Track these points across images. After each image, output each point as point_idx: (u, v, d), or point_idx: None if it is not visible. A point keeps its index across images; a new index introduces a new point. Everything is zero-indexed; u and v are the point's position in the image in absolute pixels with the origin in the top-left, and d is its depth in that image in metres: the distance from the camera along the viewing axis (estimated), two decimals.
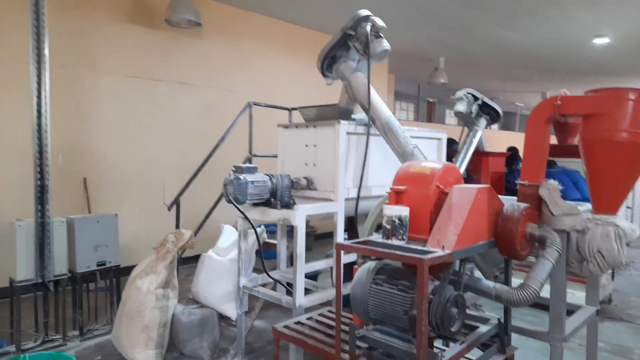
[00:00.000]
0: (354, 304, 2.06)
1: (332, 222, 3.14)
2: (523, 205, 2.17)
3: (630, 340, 3.94)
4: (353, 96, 3.42)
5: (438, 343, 2.34)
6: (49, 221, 3.51)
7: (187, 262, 5.46)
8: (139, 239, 5.34)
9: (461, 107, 5.07)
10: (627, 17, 6.69)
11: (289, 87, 7.40)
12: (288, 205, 3.01)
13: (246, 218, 3.08)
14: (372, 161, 3.33)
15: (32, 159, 3.51)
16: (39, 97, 3.51)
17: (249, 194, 2.86)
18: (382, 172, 3.38)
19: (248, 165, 3.01)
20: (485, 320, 2.35)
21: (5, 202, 4.66)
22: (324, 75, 3.62)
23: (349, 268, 2.95)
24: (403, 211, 2.00)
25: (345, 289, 2.30)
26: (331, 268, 3.52)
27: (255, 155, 5.44)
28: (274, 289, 3.59)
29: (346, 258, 3.21)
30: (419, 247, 1.91)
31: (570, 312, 2.74)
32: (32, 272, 3.45)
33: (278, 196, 3.00)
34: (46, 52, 3.53)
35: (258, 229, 3.65)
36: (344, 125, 3.11)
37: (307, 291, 3.16)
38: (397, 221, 2.00)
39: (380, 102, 3.29)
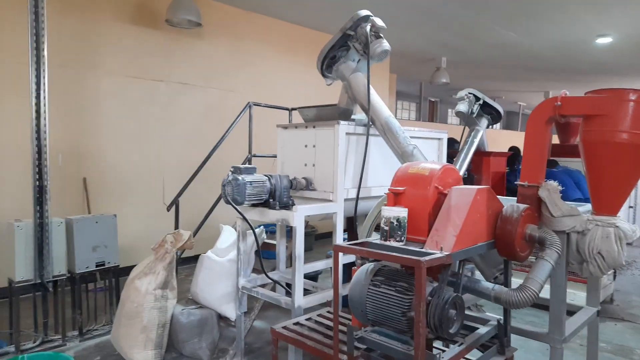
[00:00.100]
0: (352, 306, 2.05)
1: (332, 222, 3.13)
2: (522, 206, 2.15)
3: (632, 340, 3.92)
4: (353, 96, 3.41)
5: (439, 344, 2.33)
6: (48, 222, 3.50)
7: (187, 263, 5.46)
8: (139, 239, 5.34)
9: (462, 107, 5.06)
10: (630, 17, 6.65)
11: (291, 88, 7.39)
12: (287, 205, 3.00)
13: (244, 219, 3.07)
14: (371, 162, 3.32)
15: (30, 159, 3.51)
16: (37, 97, 3.51)
17: (247, 195, 2.85)
18: (382, 173, 3.36)
19: (246, 165, 3.00)
20: (484, 321, 2.34)
21: (4, 202, 4.66)
22: (323, 75, 3.60)
23: (349, 269, 2.94)
24: (401, 212, 1.99)
25: (345, 290, 2.29)
26: (331, 268, 3.51)
27: (255, 156, 5.43)
28: (273, 289, 3.58)
29: (345, 258, 3.20)
30: (417, 249, 1.90)
31: (571, 313, 2.73)
32: (31, 272, 3.45)
33: (277, 197, 2.99)
34: (45, 52, 3.53)
35: (257, 230, 3.64)
36: (344, 126, 3.10)
37: (307, 292, 3.15)
38: (395, 222, 1.99)
39: (380, 103, 3.28)
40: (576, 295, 4.09)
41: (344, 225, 3.21)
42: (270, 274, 3.36)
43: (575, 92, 2.41)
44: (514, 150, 6.93)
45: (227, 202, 2.89)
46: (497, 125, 15.78)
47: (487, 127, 5.39)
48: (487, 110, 5.26)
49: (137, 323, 3.13)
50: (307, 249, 6.50)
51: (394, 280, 1.95)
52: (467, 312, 2.44)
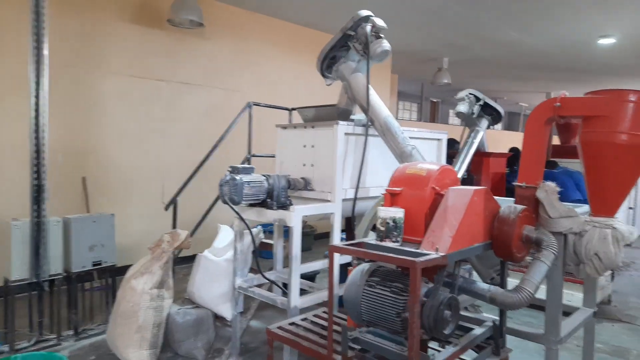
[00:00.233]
0: (347, 306, 2.04)
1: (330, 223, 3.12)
2: (520, 207, 2.14)
3: (629, 342, 3.91)
4: (352, 97, 3.40)
5: (435, 345, 2.32)
6: (45, 221, 3.50)
7: (185, 262, 5.45)
8: (139, 239, 5.33)
9: (463, 107, 5.05)
10: (633, 17, 6.63)
11: (294, 88, 7.38)
12: (284, 205, 2.99)
13: (241, 218, 3.06)
14: (370, 162, 3.30)
15: (29, 158, 3.51)
16: (37, 96, 3.50)
17: (244, 195, 2.85)
18: (381, 173, 3.35)
19: (244, 165, 2.99)
20: (480, 322, 2.33)
21: (1, 201, 4.66)
22: (323, 75, 3.59)
23: (345, 269, 2.93)
24: (397, 213, 1.98)
25: (341, 290, 2.27)
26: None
27: (255, 156, 5.43)
28: (270, 289, 3.57)
29: (342, 259, 3.18)
30: (413, 250, 1.89)
31: (568, 314, 2.72)
32: (27, 271, 3.44)
33: (274, 197, 2.97)
34: (46, 52, 3.52)
35: (255, 230, 3.64)
36: (343, 126, 3.09)
37: (304, 292, 3.14)
38: (391, 223, 1.98)
39: (379, 103, 3.27)
40: (573, 296, 4.07)
41: (342, 225, 3.20)
42: (267, 274, 3.35)
43: (577, 93, 2.40)
44: (514, 151, 6.91)
45: (225, 202, 2.89)
46: (499, 126, 15.76)
47: (488, 127, 5.38)
48: (488, 111, 5.24)
49: (132, 323, 3.12)
50: (306, 248, 6.50)
51: (389, 281, 1.94)
52: (463, 312, 2.43)
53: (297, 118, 5.07)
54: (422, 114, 15.92)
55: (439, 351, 2.05)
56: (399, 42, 7.74)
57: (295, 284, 2.86)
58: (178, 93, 6.11)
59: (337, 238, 3.11)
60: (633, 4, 6.13)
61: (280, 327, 2.58)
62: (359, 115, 3.43)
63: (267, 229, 5.53)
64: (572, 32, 7.48)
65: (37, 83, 3.50)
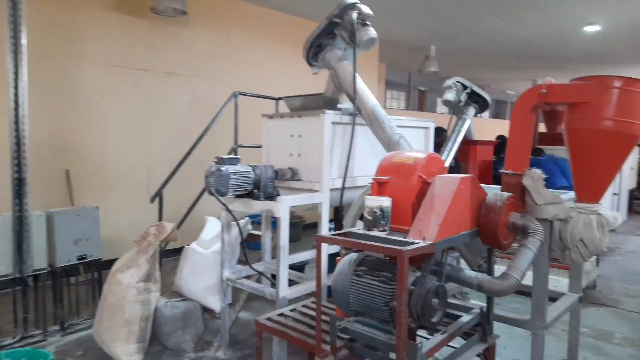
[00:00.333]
0: (335, 296, 2.04)
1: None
2: (506, 194, 2.14)
3: (613, 325, 3.99)
4: (339, 85, 3.37)
5: (423, 333, 2.33)
6: (27, 215, 3.42)
7: (172, 255, 5.40)
8: (124, 232, 5.25)
9: (450, 95, 5.05)
10: (618, 4, 6.65)
11: (279, 77, 7.30)
12: (271, 196, 2.96)
13: (228, 210, 3.03)
14: (358, 151, 3.29)
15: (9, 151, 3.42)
16: (15, 87, 3.41)
17: (230, 186, 2.81)
18: (369, 162, 3.34)
19: (230, 156, 2.95)
20: (468, 309, 2.34)
21: None
22: (309, 64, 3.56)
23: (334, 259, 2.92)
24: (384, 202, 1.97)
25: (330, 280, 2.27)
26: None
27: (241, 146, 5.37)
28: (258, 280, 3.56)
29: (330, 249, 3.18)
30: (400, 239, 1.88)
31: (554, 299, 2.75)
32: (10, 267, 3.37)
33: (261, 187, 2.94)
34: (24, 41, 3.42)
35: (243, 221, 3.61)
36: (329, 115, 3.06)
37: (292, 282, 3.13)
38: (378, 212, 1.96)
39: (366, 91, 3.24)
40: (559, 281, 4.13)
41: (331, 215, 3.19)
42: (255, 265, 3.33)
43: (564, 80, 2.39)
44: (501, 139, 6.95)
45: (211, 193, 2.85)
46: (486, 114, 15.83)
47: (475, 115, 5.39)
48: (475, 98, 5.26)
49: (119, 317, 3.09)
50: (295, 239, 6.50)
51: (377, 270, 1.94)
52: (451, 300, 2.45)
53: (283, 107, 5.03)
54: (410, 102, 15.92)
55: (427, 339, 2.06)
56: (385, 31, 7.68)
57: (284, 275, 2.84)
58: (161, 83, 6.00)
59: (325, 228, 3.10)
60: None
61: (269, 319, 2.57)
62: (346, 104, 3.41)
63: (255, 220, 5.51)
64: (558, 19, 7.50)
65: (16, 74, 3.41)
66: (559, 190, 2.71)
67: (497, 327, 2.40)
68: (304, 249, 3.92)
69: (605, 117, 2.17)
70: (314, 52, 3.45)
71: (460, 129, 5.18)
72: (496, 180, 5.69)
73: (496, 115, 19.88)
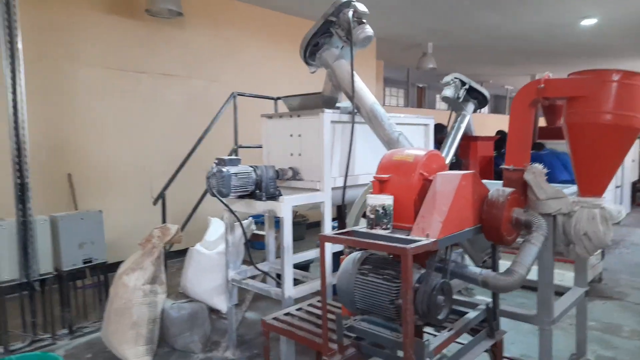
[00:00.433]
0: (340, 295, 2.04)
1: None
2: (508, 190, 2.15)
3: (620, 318, 3.98)
4: (337, 84, 3.37)
5: (431, 329, 2.34)
6: (31, 220, 3.44)
7: (177, 256, 5.42)
8: (128, 235, 5.28)
9: (448, 92, 5.04)
10: None
11: (276, 76, 7.30)
12: (273, 196, 2.97)
13: (230, 211, 3.04)
14: (358, 149, 3.29)
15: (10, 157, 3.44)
16: (14, 92, 3.42)
17: (232, 187, 2.82)
18: (369, 160, 3.34)
19: (231, 157, 2.96)
20: (474, 306, 2.35)
21: None
22: (307, 63, 3.55)
23: (338, 257, 2.93)
24: (386, 200, 1.98)
25: (335, 279, 2.28)
26: None
27: (242, 147, 5.39)
28: (264, 280, 3.57)
29: (334, 247, 3.19)
30: (403, 237, 1.89)
31: (560, 294, 2.75)
32: (16, 272, 3.40)
33: (263, 188, 2.95)
34: (19, 45, 3.43)
35: (246, 221, 3.62)
36: (328, 114, 3.07)
37: (297, 281, 3.14)
38: (380, 210, 1.97)
39: (364, 89, 3.24)
40: (564, 275, 4.13)
41: (334, 213, 3.19)
42: (260, 265, 3.34)
43: (562, 74, 2.39)
44: (501, 134, 6.95)
45: (213, 194, 2.86)
46: (485, 110, 15.83)
47: (474, 111, 5.39)
48: (474, 94, 5.24)
49: (126, 319, 3.11)
50: (299, 238, 6.50)
51: (381, 268, 1.95)
52: (457, 296, 2.45)
53: (282, 107, 5.04)
54: (409, 99, 15.91)
55: (434, 336, 2.07)
56: (382, 28, 7.68)
57: (289, 274, 2.86)
58: (159, 84, 6.01)
59: (328, 227, 3.11)
60: None
61: (275, 318, 2.58)
62: (344, 102, 3.41)
63: (259, 220, 5.52)
64: (555, 13, 7.49)
65: (13, 79, 3.42)
66: (561, 185, 2.72)
67: (504, 322, 2.40)
68: (308, 247, 3.93)
69: (604, 110, 2.17)
70: (311, 51, 3.44)
71: (459, 125, 5.17)
72: (498, 175, 5.70)
73: (495, 110, 19.87)
